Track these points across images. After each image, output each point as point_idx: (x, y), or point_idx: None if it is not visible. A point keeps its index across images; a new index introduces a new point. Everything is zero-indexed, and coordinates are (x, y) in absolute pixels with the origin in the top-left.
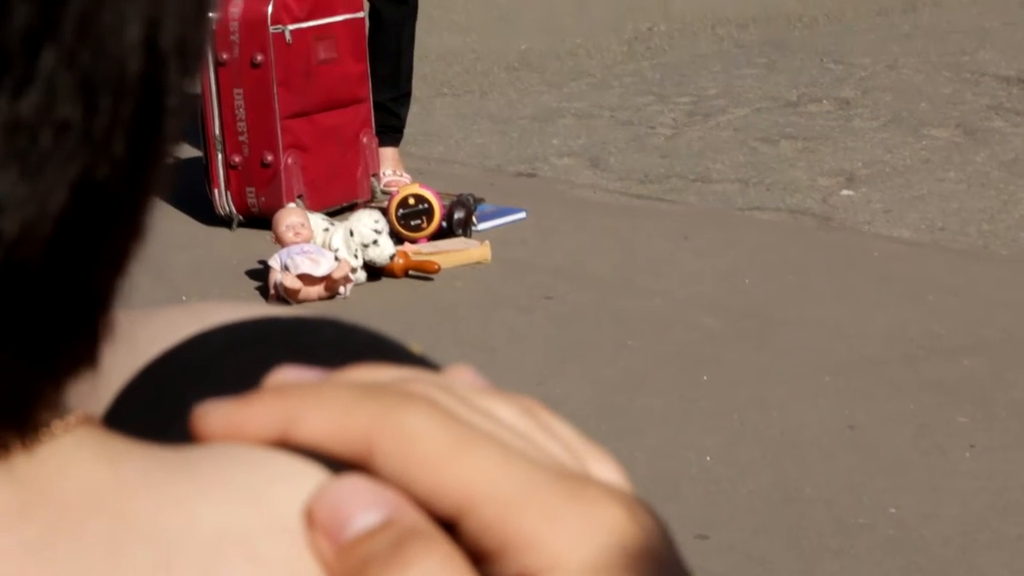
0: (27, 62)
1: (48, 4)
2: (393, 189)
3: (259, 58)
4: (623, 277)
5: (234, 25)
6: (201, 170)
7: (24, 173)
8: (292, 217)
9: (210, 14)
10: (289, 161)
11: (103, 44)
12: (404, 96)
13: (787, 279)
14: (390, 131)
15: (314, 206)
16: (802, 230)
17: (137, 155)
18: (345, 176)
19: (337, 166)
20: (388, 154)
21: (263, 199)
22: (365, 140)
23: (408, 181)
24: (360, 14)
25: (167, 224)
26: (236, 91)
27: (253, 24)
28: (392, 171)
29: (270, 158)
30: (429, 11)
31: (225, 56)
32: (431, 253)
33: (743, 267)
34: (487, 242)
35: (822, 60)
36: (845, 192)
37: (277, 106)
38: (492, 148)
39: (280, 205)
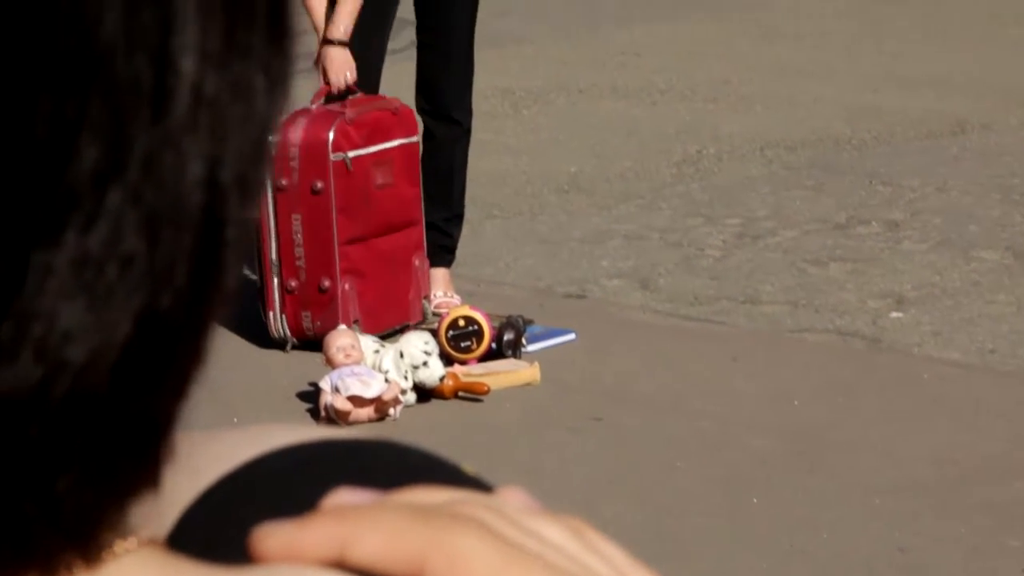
0: (94, 200)
1: (114, 146)
2: (444, 311)
3: (319, 185)
4: (672, 398)
5: (294, 151)
6: (255, 292)
7: (91, 305)
8: (343, 339)
9: (269, 149)
10: (346, 287)
11: (166, 182)
12: (457, 217)
13: (837, 401)
14: (442, 251)
15: (368, 329)
16: (852, 352)
17: (198, 285)
18: (398, 299)
19: (391, 289)
20: (439, 275)
21: (319, 323)
22: (417, 263)
23: (458, 303)
24: (415, 138)
25: (219, 345)
26: (295, 216)
27: (313, 150)
28: (443, 293)
29: (327, 284)
30: (480, 135)
31: (284, 182)
32: (481, 375)
33: (792, 389)
34: (536, 363)
35: (871, 182)
36: (895, 314)
37: (336, 232)
38: (542, 270)
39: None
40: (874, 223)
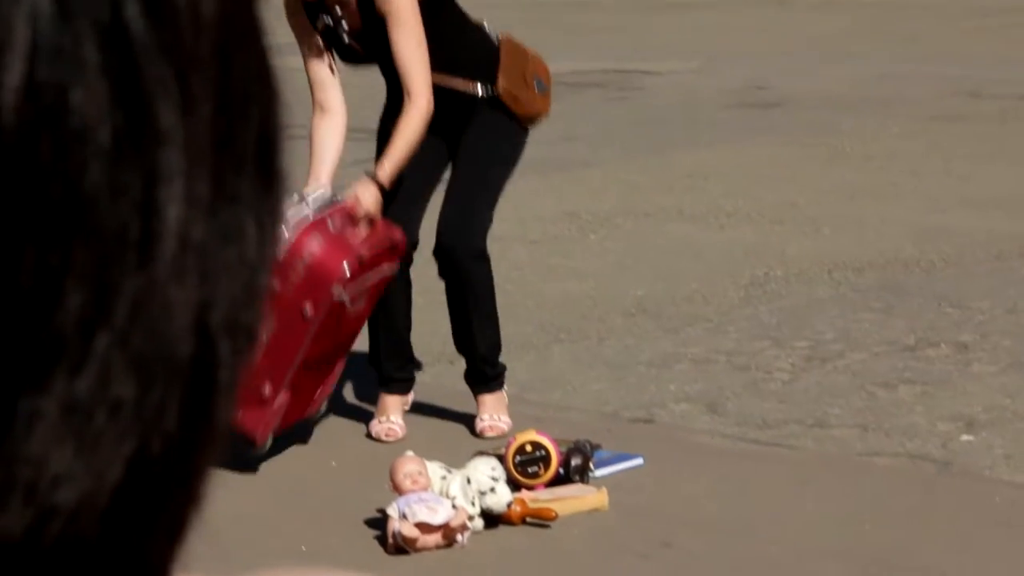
0: (81, 346)
1: (100, 293)
2: (491, 434)
3: (308, 311)
4: (741, 523)
5: (300, 265)
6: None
7: (80, 450)
8: (409, 465)
9: (261, 292)
10: (282, 399)
11: (154, 328)
12: (495, 344)
13: (907, 525)
14: (488, 380)
15: (277, 432)
16: (922, 476)
17: (190, 430)
18: (309, 399)
19: (309, 392)
20: (488, 400)
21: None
22: (340, 366)
23: (507, 425)
24: (395, 269)
25: (287, 465)
26: (268, 322)
27: (319, 277)
28: (490, 416)
29: (267, 392)
30: (547, 259)
31: (275, 284)
32: (548, 500)
33: (863, 513)
34: (604, 489)
35: (940, 304)
36: (965, 437)
37: (300, 355)
38: (609, 394)
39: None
40: (943, 345)
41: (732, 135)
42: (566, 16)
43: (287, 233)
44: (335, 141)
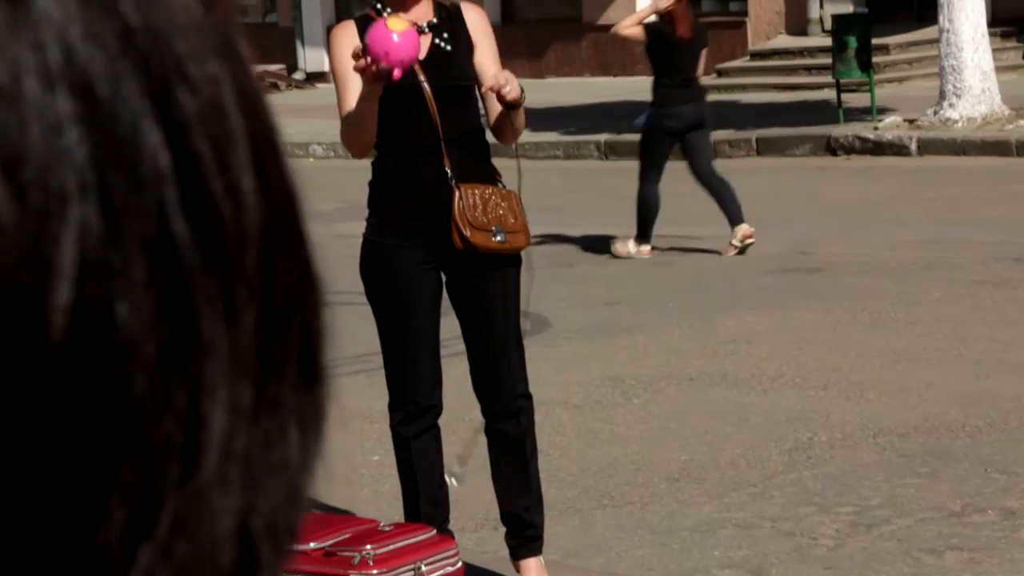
0: (125, 559)
1: (144, 506)
2: None
3: None
4: None
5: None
6: None
7: None
8: None
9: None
10: None
11: (197, 537)
12: (537, 502)
13: None
14: (529, 541)
15: None
16: None
17: None
18: None
19: None
20: (531, 565)
21: None
22: None
23: None
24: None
25: None
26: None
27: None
28: None
29: None
30: (590, 423)
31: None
32: None
33: None
34: None
35: (986, 469)
36: None
37: None
38: (653, 560)
39: None
40: (990, 512)
41: (775, 299)
42: (607, 181)
43: None
44: None
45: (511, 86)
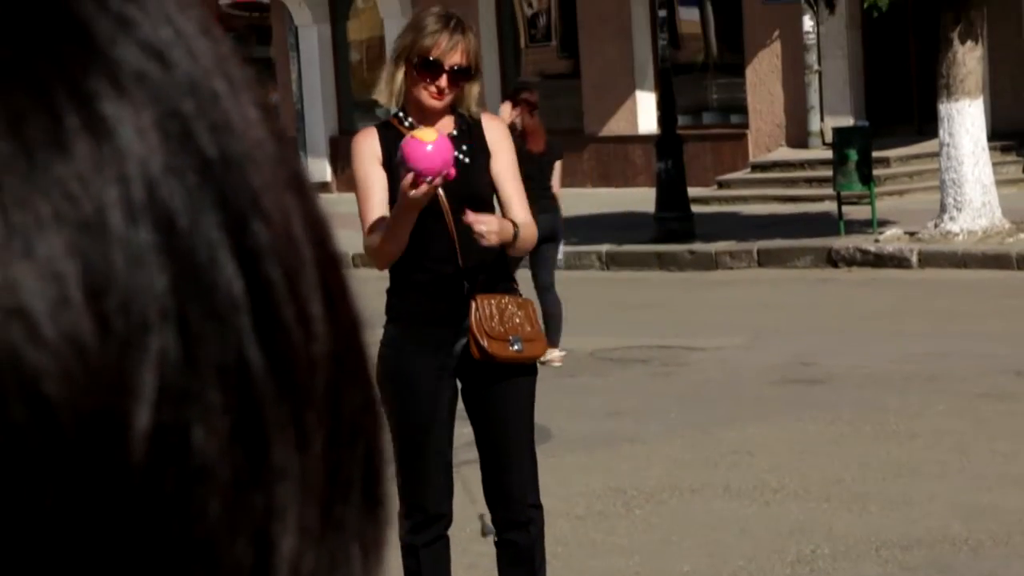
0: None
1: None
2: None
3: None
4: None
5: None
6: None
7: None
8: None
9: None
10: None
11: None
12: None
13: None
14: None
15: None
16: None
17: None
18: None
19: None
20: None
21: None
22: None
23: None
24: None
25: None
26: None
27: None
28: None
29: None
30: (592, 534)
31: None
32: None
33: None
34: None
35: None
36: None
37: None
38: None
39: None
40: None
41: (777, 411)
42: (611, 292)
43: None
44: None
45: (489, 235)
